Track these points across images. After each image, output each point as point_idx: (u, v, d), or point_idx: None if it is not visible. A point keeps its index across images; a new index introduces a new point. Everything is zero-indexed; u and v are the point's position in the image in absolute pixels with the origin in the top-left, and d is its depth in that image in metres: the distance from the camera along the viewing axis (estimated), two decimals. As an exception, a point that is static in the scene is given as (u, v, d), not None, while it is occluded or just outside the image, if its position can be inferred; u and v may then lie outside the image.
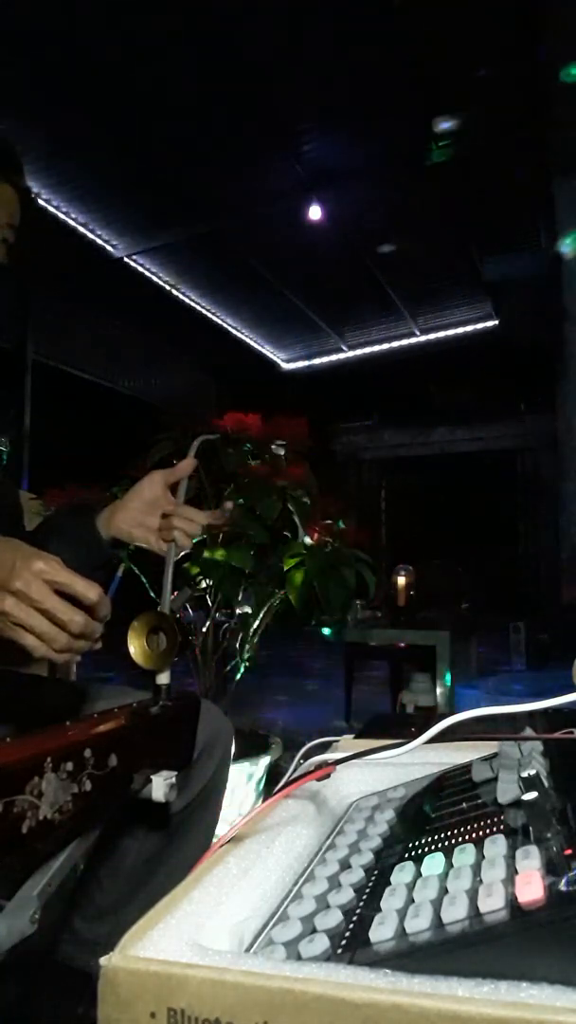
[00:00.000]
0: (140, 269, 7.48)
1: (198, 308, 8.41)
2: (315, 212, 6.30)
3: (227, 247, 6.97)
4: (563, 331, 6.56)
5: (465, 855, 0.48)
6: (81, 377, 7.93)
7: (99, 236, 6.81)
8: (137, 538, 0.98)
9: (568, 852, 0.43)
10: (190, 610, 2.15)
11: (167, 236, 6.77)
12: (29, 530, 1.12)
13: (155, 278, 7.69)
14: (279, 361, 10.24)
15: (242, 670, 2.18)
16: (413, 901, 0.45)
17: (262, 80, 4.73)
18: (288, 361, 10.28)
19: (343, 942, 0.44)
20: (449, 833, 0.53)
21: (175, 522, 0.93)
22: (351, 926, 0.46)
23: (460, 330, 9.30)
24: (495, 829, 0.50)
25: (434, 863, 0.49)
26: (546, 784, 0.52)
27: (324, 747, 0.75)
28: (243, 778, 1.94)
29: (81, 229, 6.63)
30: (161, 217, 6.43)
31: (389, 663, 4.14)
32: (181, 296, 8.12)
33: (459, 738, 0.71)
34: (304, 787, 0.65)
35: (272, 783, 1.96)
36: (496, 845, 0.48)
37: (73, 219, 6.50)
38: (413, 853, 0.53)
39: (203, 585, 2.00)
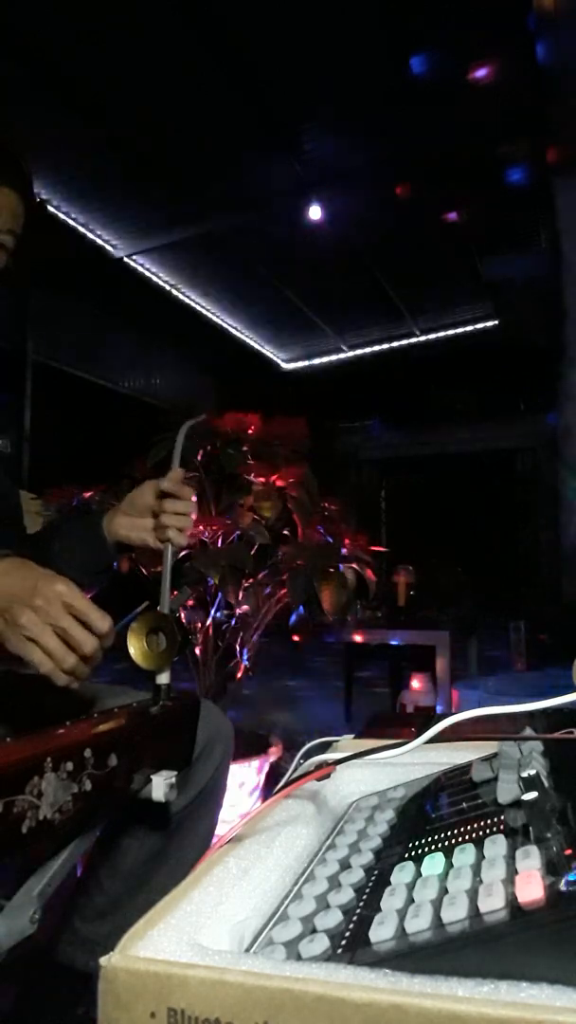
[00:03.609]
0: (140, 269, 7.48)
1: (198, 308, 8.41)
2: (315, 212, 6.30)
3: (227, 247, 6.97)
4: (563, 331, 6.54)
5: (465, 855, 0.48)
6: (81, 377, 7.92)
7: (99, 236, 6.81)
8: (135, 539, 1.01)
9: (568, 852, 0.43)
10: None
11: (167, 236, 6.76)
12: (31, 533, 1.13)
13: (155, 278, 7.68)
14: (279, 361, 10.23)
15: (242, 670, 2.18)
16: (413, 901, 0.45)
17: (262, 79, 4.73)
18: (288, 361, 10.27)
19: (343, 942, 0.44)
20: (449, 833, 0.53)
21: (164, 519, 0.94)
22: (351, 926, 0.46)
23: (460, 330, 9.29)
24: (495, 829, 0.50)
25: (434, 863, 0.49)
26: (546, 784, 0.52)
27: (324, 747, 0.75)
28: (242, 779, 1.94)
29: (81, 229, 6.63)
30: (161, 217, 6.43)
31: (389, 663, 4.14)
32: (181, 296, 8.11)
33: (459, 738, 0.71)
34: (304, 787, 0.65)
35: (272, 783, 1.96)
36: (496, 845, 0.48)
37: (73, 219, 6.50)
38: (413, 853, 0.52)
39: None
